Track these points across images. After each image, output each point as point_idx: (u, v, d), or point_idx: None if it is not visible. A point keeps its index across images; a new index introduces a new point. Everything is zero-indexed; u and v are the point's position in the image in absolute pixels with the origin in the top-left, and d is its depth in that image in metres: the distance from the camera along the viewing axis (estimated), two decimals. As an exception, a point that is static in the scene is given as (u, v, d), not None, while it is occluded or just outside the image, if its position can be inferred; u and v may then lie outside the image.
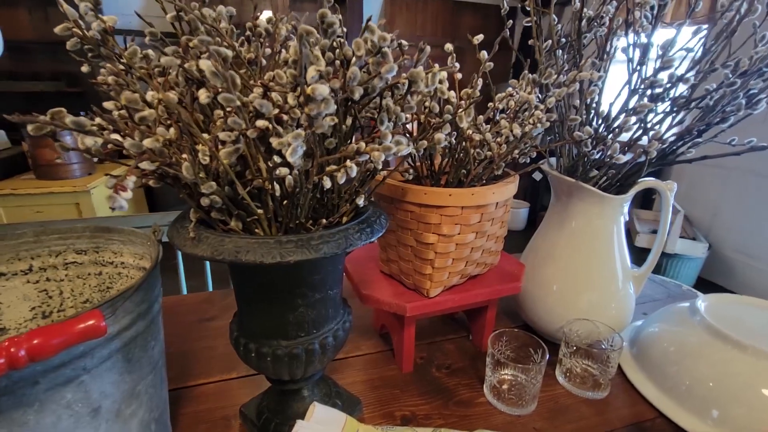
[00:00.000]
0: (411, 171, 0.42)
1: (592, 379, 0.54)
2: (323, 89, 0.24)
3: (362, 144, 0.28)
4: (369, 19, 0.28)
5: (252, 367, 0.39)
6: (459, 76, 0.41)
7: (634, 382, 0.55)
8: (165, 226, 0.38)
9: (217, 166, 0.31)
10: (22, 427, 0.28)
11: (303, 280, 0.36)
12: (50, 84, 2.88)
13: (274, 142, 0.24)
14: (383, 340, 0.63)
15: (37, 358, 0.25)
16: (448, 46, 0.42)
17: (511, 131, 0.42)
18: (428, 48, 0.32)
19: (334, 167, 0.30)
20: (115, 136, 0.27)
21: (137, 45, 0.35)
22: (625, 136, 0.49)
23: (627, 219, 0.58)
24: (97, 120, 0.31)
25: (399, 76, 0.33)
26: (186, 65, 0.30)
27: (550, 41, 0.55)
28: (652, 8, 0.42)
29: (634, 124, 0.50)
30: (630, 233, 2.26)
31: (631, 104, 0.47)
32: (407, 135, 0.45)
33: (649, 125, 0.50)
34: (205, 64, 0.27)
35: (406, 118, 0.39)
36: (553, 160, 0.61)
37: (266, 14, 0.42)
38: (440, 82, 0.40)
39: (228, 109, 0.26)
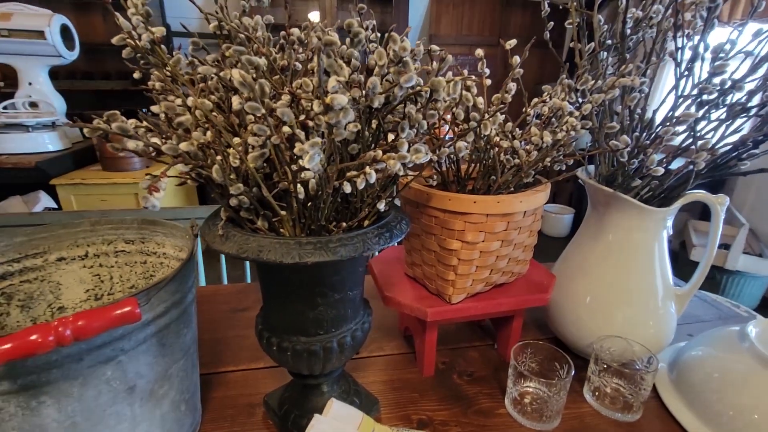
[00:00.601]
0: (435, 177, 0.42)
1: (623, 400, 0.51)
2: (341, 99, 0.25)
3: (379, 152, 0.28)
4: (391, 30, 0.29)
5: (273, 359, 0.41)
6: (488, 82, 0.41)
7: (670, 407, 0.51)
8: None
9: (246, 169, 0.33)
10: (68, 397, 0.31)
11: (323, 280, 0.37)
12: (119, 83, 3.13)
13: (296, 148, 0.25)
14: (407, 342, 0.64)
15: (81, 338, 0.28)
16: (479, 52, 0.41)
17: (542, 138, 0.41)
18: (450, 57, 0.32)
19: (354, 173, 0.31)
20: (155, 140, 0.30)
21: (187, 51, 0.38)
22: (674, 144, 0.46)
23: (671, 233, 0.54)
24: (144, 123, 0.34)
25: (425, 83, 0.33)
26: (222, 74, 0.32)
27: (592, 44, 0.53)
28: (709, 8, 0.39)
29: (683, 132, 0.47)
30: (685, 246, 2.10)
31: (678, 112, 0.44)
32: (435, 139, 0.45)
33: (699, 134, 0.46)
34: (236, 73, 0.29)
35: (433, 124, 0.39)
36: (591, 167, 0.59)
37: (314, 15, 0.44)
38: (467, 88, 0.40)
39: (257, 115, 0.28)
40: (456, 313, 0.50)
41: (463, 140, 0.33)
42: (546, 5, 0.56)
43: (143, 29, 0.35)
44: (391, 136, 0.36)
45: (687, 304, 0.56)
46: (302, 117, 0.29)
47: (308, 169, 0.31)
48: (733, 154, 0.45)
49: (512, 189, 0.46)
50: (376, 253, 0.62)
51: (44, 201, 1.71)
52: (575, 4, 0.53)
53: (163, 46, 0.37)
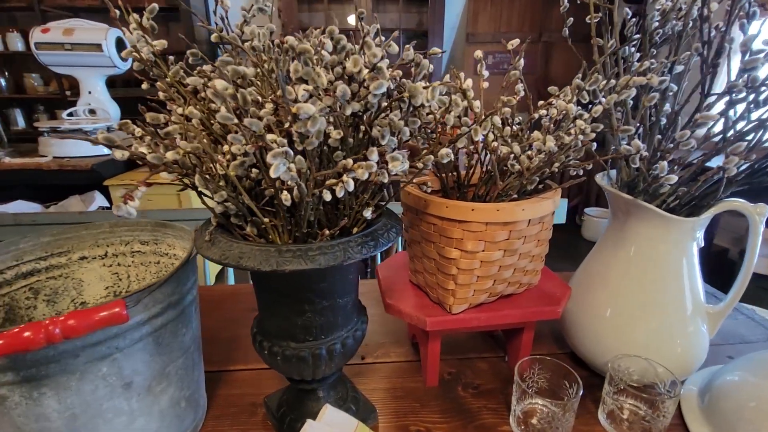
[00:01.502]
0: (430, 183, 0.40)
1: (642, 425, 0.47)
2: (308, 108, 0.25)
3: (349, 161, 0.28)
4: (366, 35, 0.28)
5: (266, 363, 0.42)
6: (485, 84, 0.39)
7: (696, 438, 0.46)
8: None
9: (241, 175, 0.34)
10: (66, 390, 0.33)
11: (309, 287, 0.37)
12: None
13: (267, 157, 0.25)
14: (414, 350, 0.62)
15: (71, 336, 0.29)
16: (478, 53, 0.39)
17: (544, 143, 0.38)
18: (426, 62, 0.31)
19: (333, 181, 0.31)
20: (143, 149, 0.31)
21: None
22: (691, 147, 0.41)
23: (702, 245, 0.49)
24: (140, 131, 0.35)
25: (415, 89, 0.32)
26: (209, 84, 0.33)
27: (613, 40, 0.49)
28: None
29: (716, 134, 0.42)
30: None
31: (698, 114, 0.40)
32: (431, 140, 0.44)
33: (732, 136, 0.42)
34: (217, 83, 0.30)
35: (431, 130, 0.38)
36: (614, 172, 0.54)
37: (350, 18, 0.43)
38: (464, 92, 0.38)
39: (230, 125, 0.28)
40: (457, 323, 0.48)
41: (447, 147, 0.32)
42: (565, 2, 0.53)
43: (144, 43, 0.37)
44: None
45: (720, 323, 0.51)
46: (287, 125, 0.29)
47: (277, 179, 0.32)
48: (771, 160, 0.40)
49: (515, 196, 0.44)
50: (382, 258, 0.62)
51: (98, 200, 1.85)
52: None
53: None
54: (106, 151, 2.01)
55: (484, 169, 0.43)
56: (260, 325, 0.42)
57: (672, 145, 0.42)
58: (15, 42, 3.14)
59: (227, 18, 0.41)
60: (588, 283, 0.55)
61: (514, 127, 0.46)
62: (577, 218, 3.26)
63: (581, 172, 0.48)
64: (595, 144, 0.42)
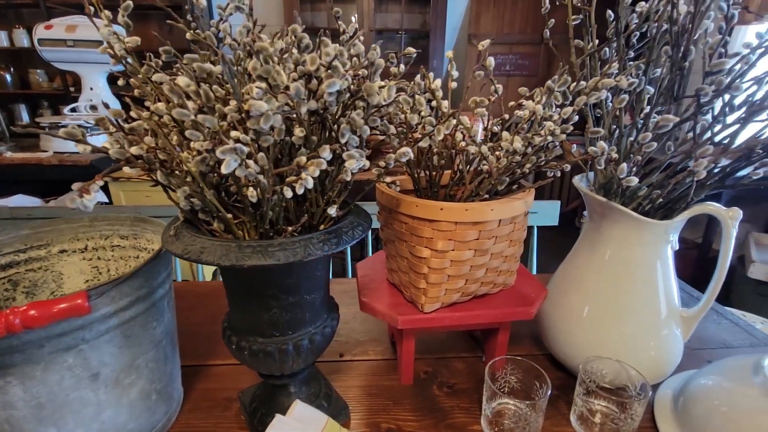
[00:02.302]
0: (397, 183, 0.41)
1: (611, 427, 0.47)
2: (259, 105, 0.25)
3: (303, 158, 0.28)
4: (321, 33, 0.28)
5: (234, 357, 0.42)
6: (454, 84, 0.39)
7: (666, 441, 0.46)
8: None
9: (205, 171, 0.34)
10: (32, 380, 0.34)
11: (274, 283, 0.37)
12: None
13: (216, 152, 0.26)
14: (393, 349, 0.63)
15: (31, 327, 0.30)
16: (449, 54, 0.40)
17: (511, 144, 0.39)
18: (381, 61, 0.31)
19: (293, 178, 0.31)
20: (107, 144, 0.31)
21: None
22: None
23: (676, 248, 0.49)
24: (111, 128, 0.36)
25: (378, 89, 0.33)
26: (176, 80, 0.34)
27: (591, 43, 0.49)
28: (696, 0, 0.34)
29: (690, 139, 0.42)
30: (744, 261, 1.89)
31: (658, 117, 0.40)
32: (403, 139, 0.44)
33: (702, 141, 0.42)
34: (181, 80, 0.30)
35: (404, 129, 0.39)
36: (592, 174, 0.54)
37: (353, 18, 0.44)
38: (433, 92, 0.38)
39: (186, 122, 0.29)
40: (429, 322, 0.48)
41: (407, 147, 0.32)
42: (546, 2, 0.53)
43: (115, 40, 0.37)
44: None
45: (694, 327, 0.51)
46: (240, 122, 0.29)
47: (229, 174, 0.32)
48: (742, 163, 0.40)
49: (486, 196, 0.44)
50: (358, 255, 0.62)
51: (97, 196, 1.87)
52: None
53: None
54: (106, 147, 2.04)
55: (455, 169, 0.43)
56: (230, 320, 0.43)
57: (637, 147, 0.42)
58: (21, 38, 3.18)
59: (226, 20, 0.42)
60: (564, 284, 0.55)
61: (495, 127, 0.47)
62: (576, 221, 3.24)
63: (558, 173, 0.48)
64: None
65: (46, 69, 3.38)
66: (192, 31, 0.41)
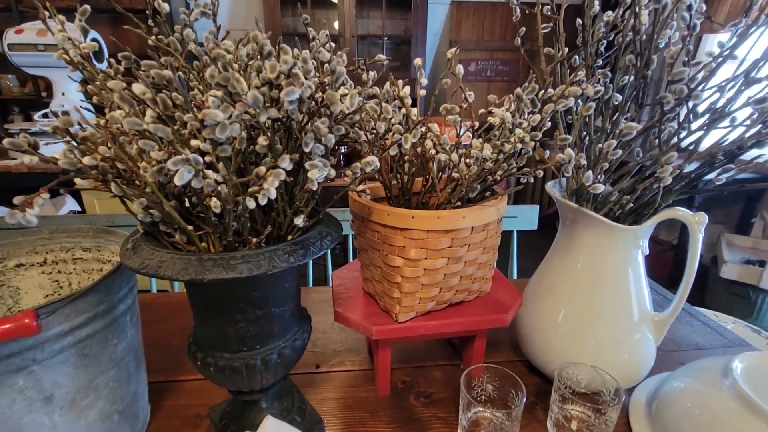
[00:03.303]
0: (367, 191, 0.40)
1: (587, 433, 0.47)
2: (215, 114, 0.24)
3: (262, 169, 0.27)
4: (279, 42, 0.28)
5: (200, 373, 0.41)
6: (422, 92, 0.39)
7: (640, 445, 0.47)
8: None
9: (163, 182, 0.33)
10: (-23, 405, 0.32)
11: (240, 297, 0.36)
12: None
13: (168, 164, 0.25)
14: (371, 359, 0.62)
15: (-28, 349, 0.28)
16: (417, 61, 0.39)
17: (481, 151, 0.38)
18: (342, 69, 0.31)
19: (255, 188, 0.30)
20: (57, 154, 0.30)
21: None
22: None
23: (647, 252, 0.50)
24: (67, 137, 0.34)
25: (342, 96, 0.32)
26: (133, 87, 0.32)
27: (560, 51, 0.50)
28: (656, 10, 0.35)
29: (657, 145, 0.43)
30: (716, 262, 1.95)
31: (623, 124, 0.40)
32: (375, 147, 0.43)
33: (668, 148, 0.42)
34: (137, 87, 0.29)
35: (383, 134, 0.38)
36: (565, 180, 0.55)
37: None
38: (402, 99, 0.38)
39: (138, 131, 0.27)
40: (404, 332, 0.47)
41: (374, 155, 0.32)
42: (517, 11, 0.54)
43: (70, 45, 0.36)
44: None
45: (666, 330, 0.51)
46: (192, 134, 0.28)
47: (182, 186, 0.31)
48: (705, 169, 0.41)
49: (459, 203, 0.43)
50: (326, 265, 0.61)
51: (69, 204, 1.81)
52: (541, 9, 0.51)
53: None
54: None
55: (426, 176, 0.42)
56: (195, 334, 0.41)
57: (603, 154, 0.42)
58: (-10, 42, 3.07)
59: (191, 25, 0.40)
60: (539, 290, 0.55)
61: (468, 134, 0.46)
62: (556, 223, 3.29)
63: (531, 179, 0.48)
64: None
65: (18, 74, 3.27)
66: (154, 37, 0.40)
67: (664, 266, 2.23)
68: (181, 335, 0.67)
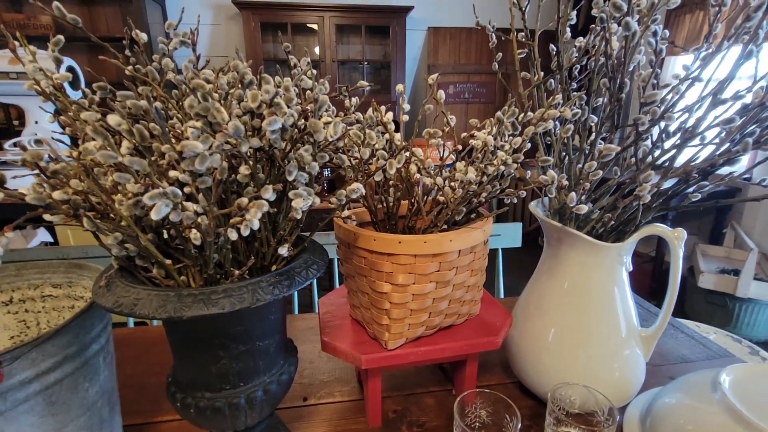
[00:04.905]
0: (352, 217, 0.40)
1: (584, 456, 0.46)
2: (194, 146, 0.24)
3: (244, 200, 0.26)
4: (259, 71, 0.27)
5: (180, 416, 0.38)
6: (406, 117, 0.39)
7: (637, 467, 0.46)
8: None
9: (140, 215, 0.32)
10: (-72, 466, 0.29)
11: (222, 332, 0.34)
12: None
13: (144, 198, 0.24)
14: (360, 388, 0.60)
15: (-76, 405, 0.25)
16: (399, 87, 0.40)
17: (465, 174, 0.39)
18: (325, 98, 0.31)
19: (237, 219, 0.29)
20: (24, 189, 0.28)
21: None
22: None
23: (630, 269, 0.51)
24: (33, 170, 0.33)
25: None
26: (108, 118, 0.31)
27: (537, 76, 0.52)
28: (626, 37, 0.37)
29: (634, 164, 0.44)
30: (693, 272, 2.00)
31: (601, 146, 0.41)
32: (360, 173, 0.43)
33: (642, 165, 0.43)
34: (112, 119, 0.28)
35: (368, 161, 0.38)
36: (548, 199, 0.56)
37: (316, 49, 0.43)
38: (385, 125, 0.38)
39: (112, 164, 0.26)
40: (394, 360, 0.46)
41: (359, 181, 0.31)
42: (494, 37, 0.55)
43: (42, 76, 0.35)
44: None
45: (654, 345, 0.52)
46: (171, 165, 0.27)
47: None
48: (682, 186, 0.42)
49: (445, 226, 0.43)
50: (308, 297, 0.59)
51: (41, 236, 1.73)
52: (516, 35, 0.52)
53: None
54: (52, 183, 1.91)
55: (411, 200, 0.42)
56: (174, 374, 0.39)
57: (584, 175, 0.43)
58: (-41, 70, 2.99)
59: (170, 54, 0.40)
60: (528, 311, 0.55)
61: (451, 156, 0.47)
62: (539, 239, 3.34)
63: (515, 200, 0.49)
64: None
65: (-13, 102, 3.18)
66: (131, 67, 0.40)
67: (644, 278, 2.28)
68: (159, 372, 0.63)
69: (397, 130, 0.43)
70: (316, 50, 3.15)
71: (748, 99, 0.41)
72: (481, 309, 0.54)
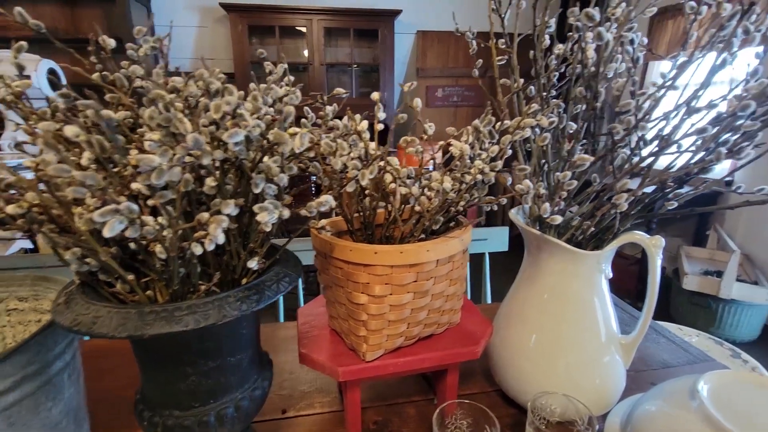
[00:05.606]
0: (327, 227, 0.39)
1: (565, 466, 0.46)
2: (149, 159, 0.23)
3: (205, 215, 0.25)
4: (223, 81, 0.26)
5: (148, 435, 0.37)
6: (380, 126, 0.39)
7: (617, 476, 0.46)
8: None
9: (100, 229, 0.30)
10: None
11: (190, 348, 0.33)
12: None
13: (94, 215, 0.23)
14: (341, 398, 0.59)
15: None
16: (374, 95, 0.39)
17: (441, 184, 0.38)
18: (291, 108, 0.30)
19: (201, 233, 0.28)
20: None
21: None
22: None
23: (610, 276, 0.51)
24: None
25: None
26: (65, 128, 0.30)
27: (516, 83, 0.51)
28: (598, 47, 0.37)
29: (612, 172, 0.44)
30: (678, 274, 2.03)
31: (576, 156, 0.41)
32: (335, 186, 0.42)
33: (618, 174, 0.43)
34: (69, 129, 0.27)
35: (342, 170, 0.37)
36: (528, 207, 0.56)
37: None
38: (359, 133, 0.37)
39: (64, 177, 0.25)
40: (373, 371, 0.45)
41: (332, 192, 0.31)
42: (473, 43, 0.55)
43: (0, 84, 0.33)
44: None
45: (634, 352, 0.52)
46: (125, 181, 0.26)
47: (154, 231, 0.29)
48: (659, 194, 0.42)
49: (423, 236, 0.43)
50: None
51: (19, 242, 1.69)
52: (494, 41, 0.52)
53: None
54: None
55: (388, 209, 0.42)
56: (142, 392, 0.38)
57: (560, 184, 0.43)
58: (-64, 72, 2.91)
59: (140, 61, 0.39)
60: (509, 319, 0.55)
61: (405, 169, 0.46)
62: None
63: (495, 207, 0.48)
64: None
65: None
66: (98, 73, 0.39)
67: (631, 280, 2.31)
68: (133, 385, 0.61)
69: (383, 137, 0.42)
70: (305, 53, 3.14)
71: (723, 107, 0.41)
72: (462, 318, 0.54)
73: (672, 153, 0.44)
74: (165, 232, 0.29)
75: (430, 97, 3.46)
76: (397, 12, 3.08)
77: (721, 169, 1.80)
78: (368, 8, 3.10)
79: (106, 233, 0.23)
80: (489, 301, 1.12)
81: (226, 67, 3.14)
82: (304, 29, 3.06)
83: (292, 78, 0.40)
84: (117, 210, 0.23)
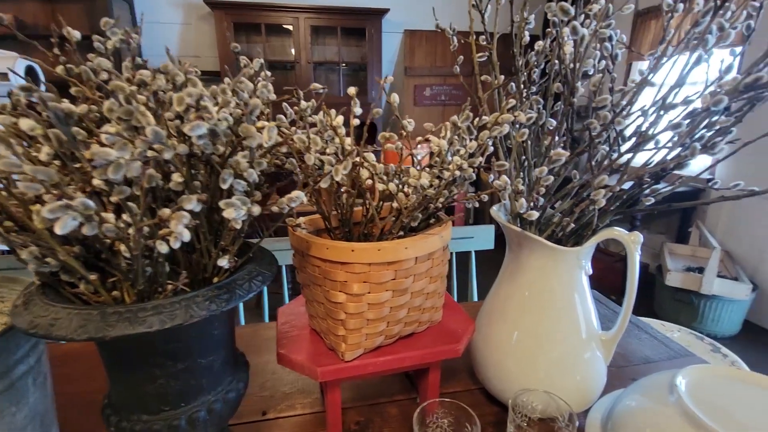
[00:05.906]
0: (303, 224, 0.38)
1: (545, 463, 0.46)
2: (105, 153, 0.22)
3: (166, 211, 0.25)
4: (187, 72, 0.25)
5: (116, 441, 0.36)
6: (356, 122, 0.38)
7: (597, 472, 0.46)
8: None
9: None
10: None
11: (156, 350, 0.32)
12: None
13: (42, 212, 0.22)
14: (323, 399, 0.58)
15: None
16: (351, 90, 0.38)
17: (418, 180, 0.38)
18: (257, 101, 0.29)
19: (166, 230, 0.27)
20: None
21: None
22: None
23: (590, 272, 0.51)
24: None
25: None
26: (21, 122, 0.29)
27: (497, 79, 0.51)
28: (575, 41, 0.36)
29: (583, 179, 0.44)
30: (661, 270, 2.06)
31: (552, 151, 0.41)
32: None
33: (597, 170, 0.43)
34: (24, 123, 0.26)
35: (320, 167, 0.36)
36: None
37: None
38: (335, 129, 0.37)
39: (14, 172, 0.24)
40: (352, 371, 0.45)
41: (306, 189, 0.30)
42: (454, 40, 0.55)
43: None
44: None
45: (614, 349, 0.52)
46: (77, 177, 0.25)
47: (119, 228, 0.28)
48: (636, 190, 0.42)
49: (401, 233, 0.42)
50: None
51: (-4, 243, 1.64)
52: (474, 38, 0.52)
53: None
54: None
55: (365, 206, 0.41)
56: (109, 396, 0.36)
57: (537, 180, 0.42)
58: None
59: (108, 54, 0.37)
60: (491, 316, 0.55)
61: (381, 165, 0.46)
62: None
63: (477, 204, 0.48)
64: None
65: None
66: (63, 66, 0.37)
67: (616, 276, 2.34)
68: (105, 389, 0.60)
69: (351, 134, 0.41)
70: (292, 51, 3.11)
71: (698, 104, 0.42)
72: (444, 315, 0.53)
73: (650, 149, 0.45)
74: (130, 230, 0.28)
75: (418, 96, 3.46)
76: (384, 11, 3.08)
77: (702, 165, 1.84)
78: (355, 6, 3.08)
79: (58, 230, 0.22)
80: (476, 299, 1.12)
81: (211, 65, 3.09)
82: (290, 27, 3.03)
83: (269, 73, 0.40)
84: (69, 206, 0.22)
